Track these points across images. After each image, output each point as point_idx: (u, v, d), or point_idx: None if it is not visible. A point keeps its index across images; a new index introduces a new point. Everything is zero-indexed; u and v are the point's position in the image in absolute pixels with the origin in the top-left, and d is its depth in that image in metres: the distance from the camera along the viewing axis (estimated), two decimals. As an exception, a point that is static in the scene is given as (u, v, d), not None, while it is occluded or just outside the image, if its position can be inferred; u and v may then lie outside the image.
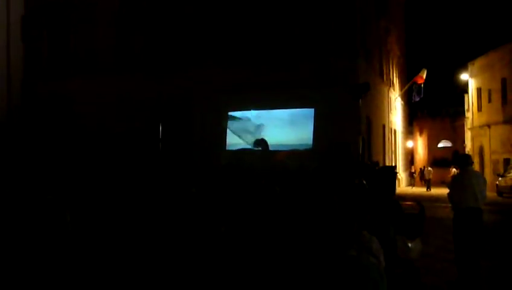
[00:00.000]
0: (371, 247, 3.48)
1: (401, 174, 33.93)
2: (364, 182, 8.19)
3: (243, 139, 18.44)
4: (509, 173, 29.20)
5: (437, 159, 45.72)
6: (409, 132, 46.09)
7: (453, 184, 8.44)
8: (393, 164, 28.57)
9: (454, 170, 28.89)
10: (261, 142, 11.26)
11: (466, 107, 41.30)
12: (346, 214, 3.35)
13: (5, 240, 7.38)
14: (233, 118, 19.71)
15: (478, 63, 37.61)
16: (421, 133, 52.01)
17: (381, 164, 22.78)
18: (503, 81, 33.67)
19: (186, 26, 21.48)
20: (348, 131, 17.28)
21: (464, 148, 40.30)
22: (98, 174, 12.78)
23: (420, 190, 33.43)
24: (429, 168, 37.16)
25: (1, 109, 22.23)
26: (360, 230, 3.30)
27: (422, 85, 30.78)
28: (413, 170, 40.74)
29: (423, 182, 34.69)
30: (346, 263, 3.00)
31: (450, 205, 8.74)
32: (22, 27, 23.78)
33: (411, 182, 38.17)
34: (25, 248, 7.17)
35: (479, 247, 8.25)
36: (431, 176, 35.37)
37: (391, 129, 31.28)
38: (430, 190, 33.44)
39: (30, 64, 23.98)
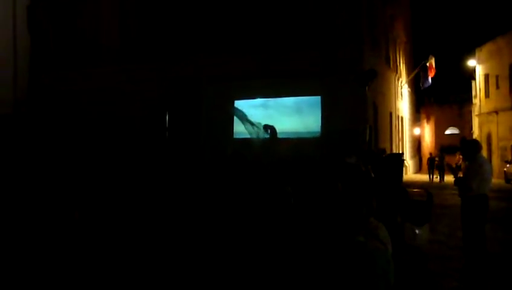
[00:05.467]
0: (378, 233, 3.48)
1: (408, 162, 33.82)
2: (371, 169, 8.20)
3: (250, 128, 18.44)
4: (517, 159, 29.07)
5: (444, 146, 45.50)
6: (416, 119, 45.88)
7: (469, 171, 8.32)
8: (401, 151, 28.51)
9: (460, 156, 28.25)
10: (270, 128, 11.28)
11: (473, 93, 41.04)
12: (353, 200, 3.35)
13: (12, 237, 7.41)
14: (241, 106, 19.71)
15: (486, 49, 37.32)
16: (428, 120, 51.77)
17: (388, 151, 22.72)
18: (511, 67, 33.44)
19: (193, 14, 21.41)
20: (355, 118, 17.27)
21: (472, 135, 40.07)
22: (106, 167, 12.79)
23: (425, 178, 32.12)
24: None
25: (8, 101, 22.27)
26: (367, 217, 3.30)
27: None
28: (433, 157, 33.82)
29: (436, 171, 31.61)
30: (354, 249, 3.01)
31: (457, 192, 8.69)
32: (28, 18, 23.78)
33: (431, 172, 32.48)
34: (33, 245, 7.19)
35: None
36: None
37: (398, 116, 31.16)
38: (443, 180, 29.39)
39: (36, 56, 24.01)
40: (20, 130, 19.08)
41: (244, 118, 18.45)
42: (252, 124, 15.66)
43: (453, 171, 9.25)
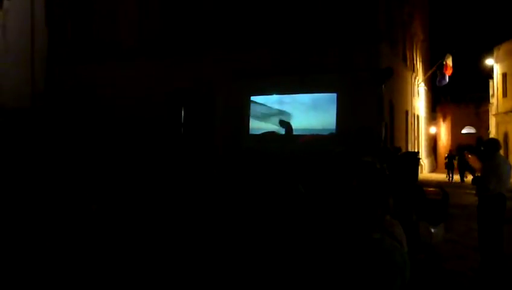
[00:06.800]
0: (393, 231, 3.46)
1: (424, 161, 33.62)
2: (386, 167, 8.16)
3: (265, 124, 18.44)
4: (534, 159, 28.73)
5: (462, 145, 45.16)
6: (432, 118, 45.59)
7: (487, 170, 8.25)
8: (416, 150, 28.33)
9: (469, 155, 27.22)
10: (286, 124, 11.27)
11: (491, 92, 40.72)
12: (368, 198, 3.33)
13: (31, 230, 7.47)
14: (256, 102, 19.71)
15: (504, 47, 36.98)
16: (444, 119, 51.43)
17: (403, 150, 22.61)
18: (530, 67, 33.16)
19: (210, 9, 21.43)
20: (371, 116, 17.19)
21: (488, 134, 39.76)
22: (122, 162, 12.85)
23: (441, 177, 31.24)
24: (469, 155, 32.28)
25: (25, 94, 22.46)
26: (383, 214, 3.28)
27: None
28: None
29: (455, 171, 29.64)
30: (369, 246, 2.99)
31: (474, 191, 8.63)
32: (45, 12, 23.95)
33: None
34: (51, 237, 7.25)
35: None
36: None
37: (414, 115, 30.97)
38: (464, 180, 27.33)
39: (54, 50, 24.17)
40: (37, 124, 19.23)
41: (262, 113, 18.45)
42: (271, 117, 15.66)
43: (472, 170, 9.17)
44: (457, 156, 30.23)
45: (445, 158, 32.40)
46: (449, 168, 30.23)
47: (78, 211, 7.66)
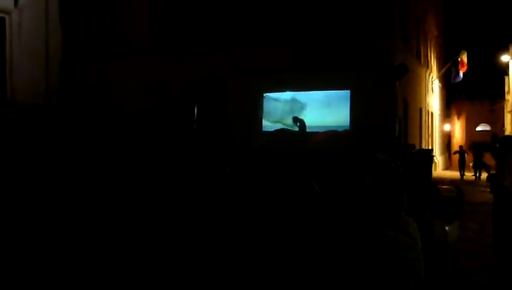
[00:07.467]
0: (408, 228, 3.44)
1: (438, 158, 33.41)
2: (400, 164, 8.13)
3: (279, 121, 18.44)
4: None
5: (478, 143, 44.73)
6: (446, 115, 45.27)
7: (502, 168, 8.17)
8: (430, 148, 28.18)
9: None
10: (299, 120, 11.25)
11: (506, 89, 40.35)
12: (382, 195, 3.32)
13: (45, 226, 7.51)
14: (269, 99, 19.73)
15: (520, 44, 36.65)
16: (458, 116, 51.03)
17: (417, 147, 22.51)
18: (546, 63, 32.79)
19: (222, 6, 21.43)
20: (385, 113, 17.09)
21: (503, 131, 39.41)
22: (135, 158, 12.90)
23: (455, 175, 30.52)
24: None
25: (39, 92, 22.61)
26: (398, 212, 3.27)
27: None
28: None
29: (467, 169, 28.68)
30: (384, 243, 2.98)
31: (489, 188, 8.56)
32: (60, 10, 24.07)
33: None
34: (65, 233, 7.29)
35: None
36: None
37: (428, 112, 30.79)
38: (479, 179, 26.08)
39: (68, 47, 24.30)
40: (51, 121, 19.37)
41: (276, 110, 18.43)
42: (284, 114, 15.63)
43: (487, 168, 9.09)
44: (473, 153, 29.90)
45: (454, 153, 31.49)
46: (461, 165, 29.06)
47: (91, 208, 7.70)
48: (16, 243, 7.16)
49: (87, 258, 6.79)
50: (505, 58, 38.80)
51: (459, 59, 30.15)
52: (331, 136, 16.78)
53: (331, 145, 14.63)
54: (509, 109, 39.17)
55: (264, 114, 19.63)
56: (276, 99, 19.48)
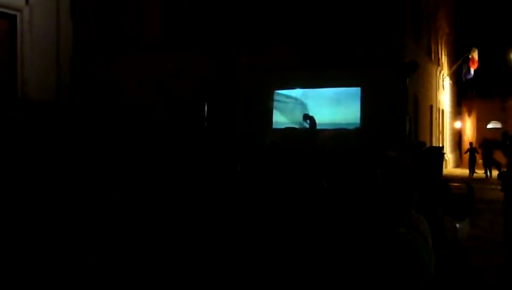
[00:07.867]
0: (418, 226, 3.45)
1: (449, 155, 33.27)
2: (410, 161, 8.10)
3: (289, 118, 18.45)
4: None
5: (489, 140, 44.53)
6: (457, 112, 45.05)
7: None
8: (441, 145, 28.06)
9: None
10: (310, 118, 11.28)
11: (517, 86, 40.13)
12: (392, 193, 3.33)
13: (57, 221, 7.55)
14: (280, 96, 19.73)
15: (531, 41, 36.42)
16: (469, 114, 50.81)
17: (428, 145, 22.42)
18: (558, 60, 32.54)
19: (234, 3, 21.43)
20: (395, 111, 17.06)
21: (515, 129, 39.19)
22: (146, 154, 12.94)
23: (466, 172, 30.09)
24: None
25: (50, 88, 22.73)
26: (408, 209, 3.27)
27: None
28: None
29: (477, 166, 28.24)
30: (394, 240, 2.99)
31: (499, 186, 8.53)
32: (71, 5, 24.17)
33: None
34: (76, 228, 7.33)
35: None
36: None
37: (439, 109, 30.66)
38: (490, 177, 25.64)
39: (79, 43, 24.40)
40: (62, 117, 19.45)
41: (286, 107, 18.43)
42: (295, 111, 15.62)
43: (498, 165, 9.08)
44: (483, 150, 29.55)
45: (465, 152, 30.66)
46: (471, 162, 28.43)
47: (101, 204, 7.73)
48: (26, 240, 7.22)
49: (97, 253, 6.83)
50: (516, 55, 38.56)
51: (470, 56, 29.99)
52: (341, 133, 16.75)
53: (341, 143, 14.61)
54: (520, 107, 38.94)
55: (275, 111, 19.63)
56: (286, 96, 19.46)
